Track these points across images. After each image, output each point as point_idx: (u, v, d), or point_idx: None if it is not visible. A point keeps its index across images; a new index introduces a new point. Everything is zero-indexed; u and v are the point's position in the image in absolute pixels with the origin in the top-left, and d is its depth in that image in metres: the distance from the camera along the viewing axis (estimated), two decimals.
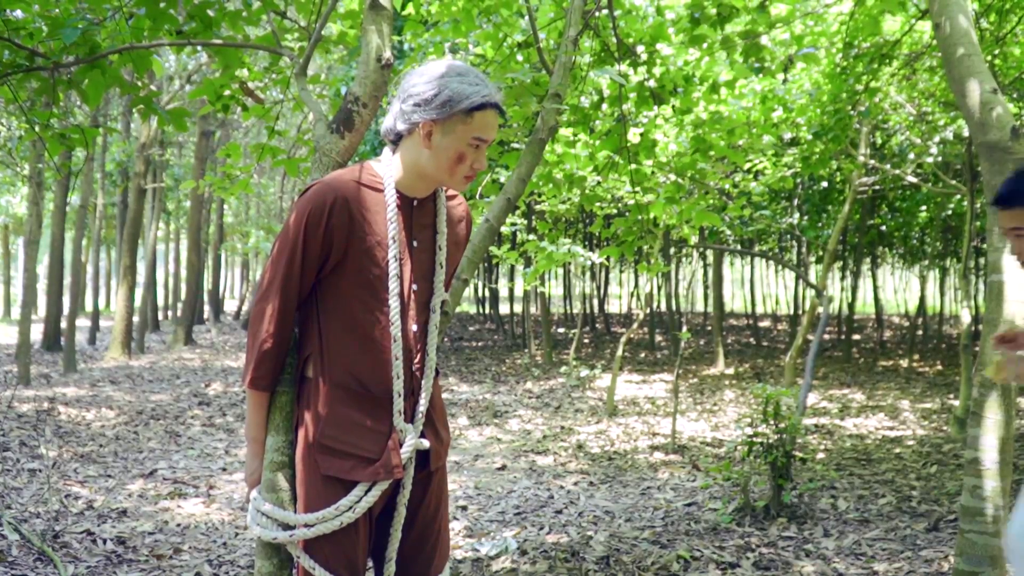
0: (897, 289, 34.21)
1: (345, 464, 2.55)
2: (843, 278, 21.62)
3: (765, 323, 29.79)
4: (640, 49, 5.86)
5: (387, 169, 2.61)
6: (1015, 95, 8.89)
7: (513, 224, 9.48)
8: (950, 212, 15.15)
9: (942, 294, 25.71)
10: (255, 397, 2.64)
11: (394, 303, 2.57)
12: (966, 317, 9.58)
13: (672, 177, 7.17)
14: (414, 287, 2.65)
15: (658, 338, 22.90)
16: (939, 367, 16.27)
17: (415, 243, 2.65)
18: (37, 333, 19.41)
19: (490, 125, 2.55)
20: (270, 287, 2.55)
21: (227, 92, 4.87)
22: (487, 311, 28.57)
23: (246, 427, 2.69)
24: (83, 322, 24.80)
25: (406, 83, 2.55)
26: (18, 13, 4.43)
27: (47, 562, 4.94)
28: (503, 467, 8.04)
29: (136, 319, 19.05)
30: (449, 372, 15.55)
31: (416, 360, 2.66)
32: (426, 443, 2.68)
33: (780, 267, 31.01)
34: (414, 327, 2.65)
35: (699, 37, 5.76)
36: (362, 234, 2.54)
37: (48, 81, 4.15)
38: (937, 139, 10.70)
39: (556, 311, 32.91)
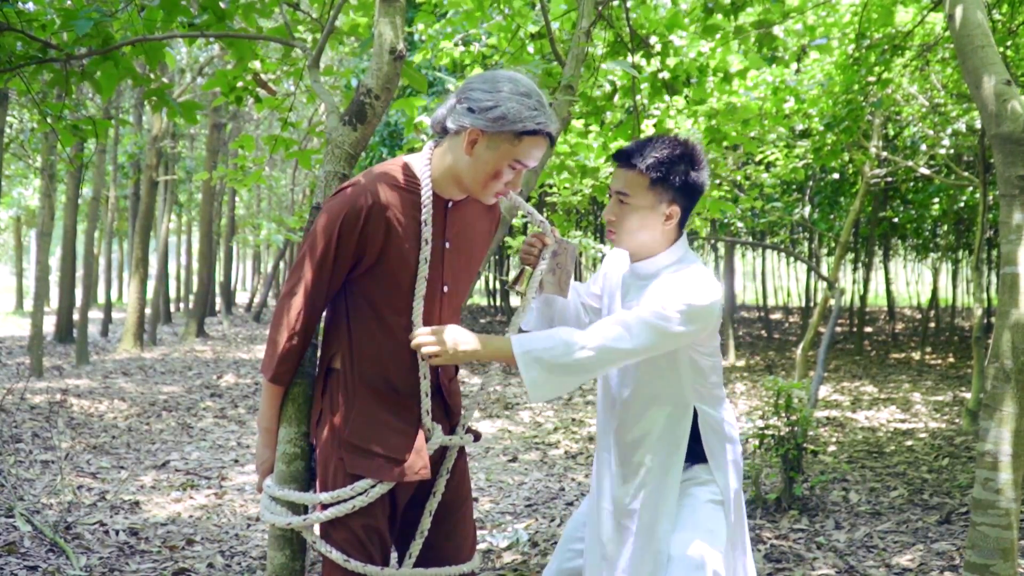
0: (909, 281, 34.12)
1: (372, 464, 2.54)
2: (855, 270, 21.58)
3: (777, 315, 29.73)
4: (653, 40, 5.85)
5: (426, 168, 2.58)
6: None
7: (524, 216, 9.47)
8: (963, 204, 15.08)
9: (954, 286, 25.65)
10: (272, 390, 2.65)
11: (418, 306, 2.56)
12: (978, 310, 9.54)
13: None
14: (444, 288, 2.65)
15: None
16: (951, 360, 16.22)
17: (447, 244, 2.63)
18: (50, 325, 19.48)
19: (536, 152, 2.52)
20: (298, 286, 2.54)
21: (240, 84, 4.87)
22: (498, 304, 28.57)
23: (260, 417, 2.70)
24: (95, 314, 24.88)
25: (468, 84, 2.52)
26: (30, 5, 4.45)
27: (59, 553, 4.96)
28: (514, 459, 8.05)
29: (148, 311, 19.10)
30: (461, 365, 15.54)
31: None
32: (460, 440, 2.69)
33: (792, 259, 30.94)
34: None
35: (712, 27, 5.74)
36: (397, 238, 2.52)
37: (61, 73, 4.16)
38: (950, 131, 10.65)
39: None
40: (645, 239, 2.85)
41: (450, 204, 2.64)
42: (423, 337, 2.54)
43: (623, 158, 2.83)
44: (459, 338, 2.57)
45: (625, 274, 3.00)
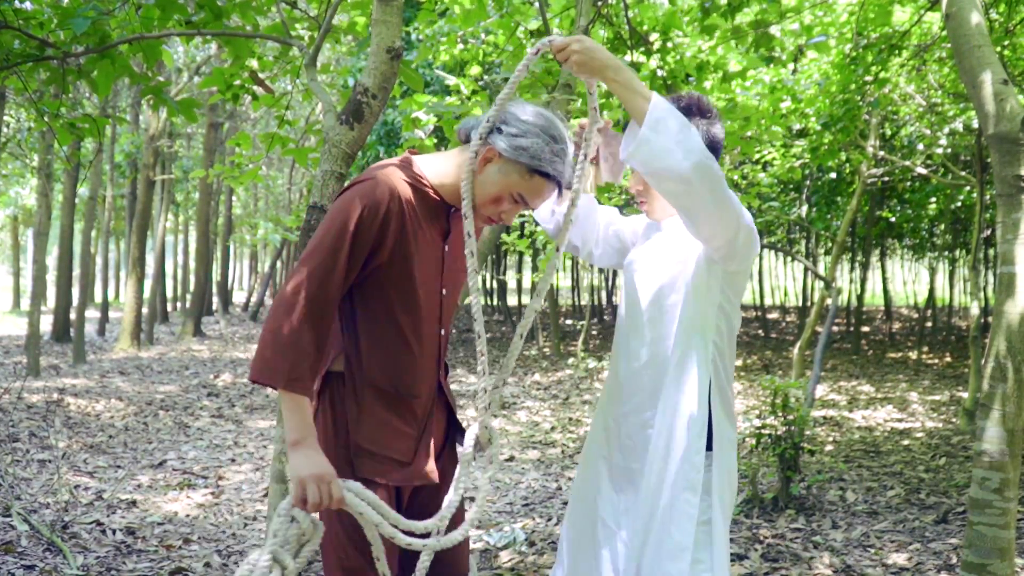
0: (906, 281, 34.12)
1: (380, 467, 2.51)
2: (852, 270, 21.56)
3: (774, 315, 29.73)
4: (653, 37, 5.85)
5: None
6: None
7: (523, 215, 9.47)
8: (959, 204, 15.08)
9: (951, 286, 25.63)
10: (293, 398, 2.34)
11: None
12: (975, 309, 9.55)
13: None
14: (443, 291, 2.63)
15: None
16: (948, 359, 16.23)
17: (446, 248, 2.62)
18: (47, 324, 19.46)
19: (542, 195, 2.51)
20: (310, 278, 2.34)
21: (237, 82, 4.87)
22: (495, 303, 28.58)
23: (288, 431, 2.37)
24: (92, 313, 24.85)
25: (513, 108, 2.49)
26: (28, 3, 4.44)
27: (56, 552, 4.95)
28: (511, 458, 8.04)
29: (145, 310, 19.08)
30: (457, 363, 15.55)
31: (441, 363, 2.68)
32: (467, 442, 2.67)
33: (789, 259, 30.96)
34: (441, 331, 2.65)
35: (710, 27, 5.74)
36: (410, 238, 2.48)
37: (58, 71, 4.15)
38: (947, 130, 10.65)
39: (564, 303, 32.89)
40: None
41: (452, 211, 2.62)
42: (562, 40, 2.50)
43: None
44: (603, 51, 2.52)
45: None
